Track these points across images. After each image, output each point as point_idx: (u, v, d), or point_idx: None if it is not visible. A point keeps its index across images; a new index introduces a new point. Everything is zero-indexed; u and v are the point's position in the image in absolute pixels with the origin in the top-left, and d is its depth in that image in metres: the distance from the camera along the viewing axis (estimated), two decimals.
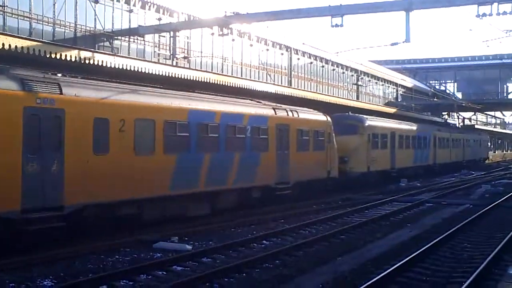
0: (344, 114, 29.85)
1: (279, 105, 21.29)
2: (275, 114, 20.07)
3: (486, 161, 61.54)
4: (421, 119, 48.45)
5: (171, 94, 16.30)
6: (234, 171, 17.63)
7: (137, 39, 24.96)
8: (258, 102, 20.56)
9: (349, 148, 26.50)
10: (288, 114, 20.89)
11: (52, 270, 10.67)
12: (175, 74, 22.04)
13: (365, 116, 30.18)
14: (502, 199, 22.80)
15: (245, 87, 26.40)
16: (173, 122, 15.38)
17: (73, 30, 22.30)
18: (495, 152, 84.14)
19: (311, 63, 40.18)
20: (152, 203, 14.74)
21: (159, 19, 25.98)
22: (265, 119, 19.38)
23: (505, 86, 77.54)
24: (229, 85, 25.03)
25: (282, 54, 36.43)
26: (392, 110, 45.48)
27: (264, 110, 19.76)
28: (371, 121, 29.75)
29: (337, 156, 24.27)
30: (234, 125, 17.67)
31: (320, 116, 23.65)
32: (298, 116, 21.57)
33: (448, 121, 63.51)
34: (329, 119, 23.99)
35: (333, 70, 43.40)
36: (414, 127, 36.94)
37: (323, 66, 41.79)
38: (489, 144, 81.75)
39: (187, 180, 15.69)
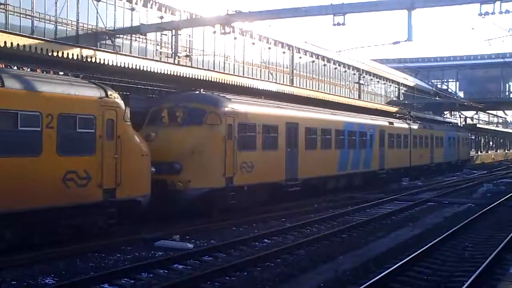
0: (188, 93, 19.51)
1: None
2: None
3: (468, 163, 51.92)
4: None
5: None
6: None
7: (139, 37, 24.94)
8: None
9: (185, 148, 16.37)
10: None
11: (53, 268, 10.69)
12: (177, 72, 22.02)
13: (228, 95, 18.79)
14: (504, 198, 22.77)
15: (247, 86, 26.37)
16: None
17: (75, 28, 22.29)
18: (497, 151, 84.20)
19: (313, 61, 40.13)
20: None
21: (161, 17, 25.98)
22: None
23: (507, 85, 77.46)
24: (231, 83, 25.00)
25: (284, 52, 36.39)
26: (394, 109, 45.42)
27: None
28: (238, 104, 18.27)
29: (146, 163, 14.19)
30: None
31: (81, 89, 12.82)
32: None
33: (448, 119, 63.41)
34: (112, 94, 13.45)
35: (335, 68, 43.35)
36: (339, 117, 25.40)
37: (325, 65, 41.73)
38: (491, 142, 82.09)
39: None
